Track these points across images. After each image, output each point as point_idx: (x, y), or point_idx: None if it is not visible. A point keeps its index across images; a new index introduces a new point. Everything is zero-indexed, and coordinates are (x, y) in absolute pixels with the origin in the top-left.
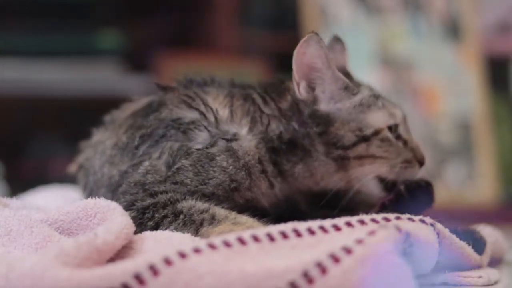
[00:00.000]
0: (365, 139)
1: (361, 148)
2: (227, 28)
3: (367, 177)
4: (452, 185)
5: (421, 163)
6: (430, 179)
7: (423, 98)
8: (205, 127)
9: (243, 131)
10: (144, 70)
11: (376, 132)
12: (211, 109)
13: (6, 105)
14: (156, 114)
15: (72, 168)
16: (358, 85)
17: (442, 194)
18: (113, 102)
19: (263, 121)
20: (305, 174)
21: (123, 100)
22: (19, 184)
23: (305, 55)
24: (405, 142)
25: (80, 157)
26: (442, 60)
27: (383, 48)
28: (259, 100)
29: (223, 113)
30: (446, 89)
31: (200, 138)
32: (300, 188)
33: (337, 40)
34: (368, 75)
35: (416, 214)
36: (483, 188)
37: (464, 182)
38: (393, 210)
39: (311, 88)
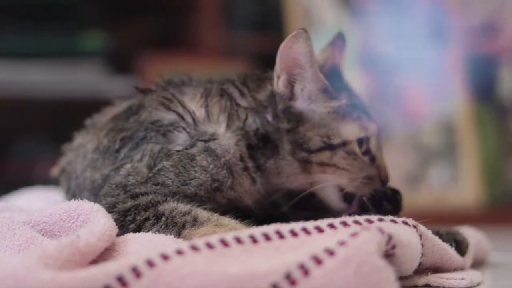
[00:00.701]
0: (331, 147)
1: (325, 156)
2: (211, 30)
3: (330, 185)
4: (436, 187)
5: (383, 182)
6: (397, 187)
7: (407, 100)
8: (184, 129)
9: (221, 129)
10: (128, 72)
11: (344, 143)
12: (188, 111)
13: None
14: (135, 116)
15: (55, 171)
16: (339, 90)
17: (426, 195)
18: (97, 104)
19: (240, 116)
20: (274, 171)
21: (107, 101)
22: (3, 185)
23: (291, 49)
24: (373, 159)
25: (62, 160)
26: (426, 62)
27: (367, 50)
28: (236, 94)
29: (200, 113)
30: (430, 91)
31: (180, 140)
32: (272, 185)
33: (340, 37)
34: (351, 77)
35: None
36: (466, 190)
37: (448, 184)
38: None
39: (290, 83)
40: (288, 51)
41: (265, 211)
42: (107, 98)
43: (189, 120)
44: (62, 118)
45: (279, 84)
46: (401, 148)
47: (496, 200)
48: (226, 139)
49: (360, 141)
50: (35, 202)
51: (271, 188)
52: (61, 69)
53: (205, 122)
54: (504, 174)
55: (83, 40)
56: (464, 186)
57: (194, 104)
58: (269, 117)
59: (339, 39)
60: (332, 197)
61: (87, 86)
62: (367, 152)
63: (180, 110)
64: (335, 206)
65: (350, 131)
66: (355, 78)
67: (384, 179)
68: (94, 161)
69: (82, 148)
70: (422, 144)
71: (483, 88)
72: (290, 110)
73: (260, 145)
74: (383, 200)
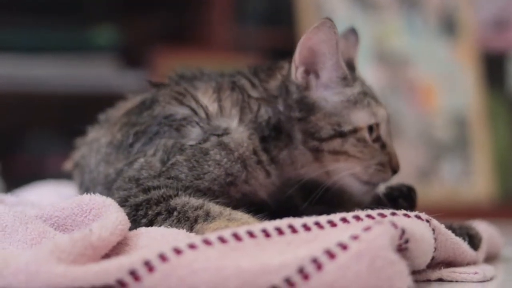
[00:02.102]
0: (341, 135)
1: (336, 143)
2: (222, 25)
3: (342, 173)
4: (448, 181)
5: (394, 170)
6: (412, 184)
7: (419, 95)
8: (197, 123)
9: (234, 123)
10: (139, 66)
11: (355, 130)
12: (201, 105)
13: (2, 101)
14: (149, 111)
15: (68, 165)
16: (355, 79)
17: (438, 190)
18: (108, 98)
19: (252, 108)
20: (287, 161)
21: (119, 96)
22: (14, 180)
23: (312, 39)
24: (383, 145)
25: (76, 154)
26: (438, 57)
27: (379, 44)
28: (247, 85)
29: (213, 108)
30: (442, 85)
31: (193, 134)
32: (287, 176)
33: (352, 32)
34: (364, 71)
35: None
36: (478, 184)
37: (460, 178)
38: None
39: (307, 73)
40: (309, 42)
41: (280, 204)
42: (119, 93)
43: (202, 115)
44: (74, 113)
45: (297, 75)
46: (413, 143)
47: (508, 195)
48: (239, 133)
49: (370, 128)
50: (47, 197)
51: (286, 180)
52: (73, 64)
53: (218, 116)
54: None
55: (95, 34)
56: (476, 180)
57: (207, 99)
58: (280, 107)
59: (351, 34)
60: (354, 187)
61: (99, 81)
62: (377, 139)
63: (193, 104)
64: (358, 193)
65: (360, 118)
66: (367, 72)
67: (394, 166)
68: (108, 155)
69: (96, 142)
70: (434, 138)
71: (495, 83)
72: (304, 100)
73: (273, 136)
74: (399, 198)
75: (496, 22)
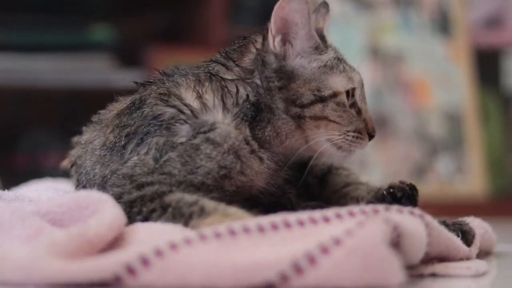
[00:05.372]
0: (322, 99)
1: (317, 108)
2: (218, 23)
3: (322, 139)
4: (442, 177)
5: (371, 135)
6: (413, 183)
7: (413, 92)
8: (185, 121)
9: (219, 115)
10: (136, 64)
11: (334, 95)
12: (186, 104)
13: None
14: (138, 112)
15: (65, 163)
16: (327, 46)
17: (432, 186)
18: (105, 97)
19: (231, 91)
20: (272, 134)
21: (115, 94)
22: (12, 177)
23: (285, 9)
24: (359, 111)
25: (72, 153)
26: (432, 54)
27: (374, 42)
28: (222, 70)
29: (197, 105)
30: (436, 83)
31: (183, 132)
32: (277, 152)
33: (323, 4)
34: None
35: None
36: (472, 180)
37: (454, 175)
38: None
39: (283, 42)
40: (282, 11)
41: (276, 195)
42: (115, 91)
43: (188, 112)
44: (71, 111)
45: (275, 44)
46: (407, 139)
47: (501, 191)
48: (226, 125)
49: (348, 93)
50: (44, 193)
51: (277, 160)
52: (69, 62)
53: (203, 111)
54: (510, 165)
55: (92, 33)
56: (470, 176)
57: (189, 96)
58: (258, 81)
59: (322, 7)
60: (332, 152)
61: (95, 79)
62: (353, 104)
63: (178, 104)
64: (334, 158)
65: (339, 82)
66: (362, 69)
67: (371, 132)
68: (102, 157)
69: (90, 144)
70: (428, 135)
71: (489, 80)
72: (283, 69)
73: (256, 117)
74: (402, 198)
75: (489, 20)
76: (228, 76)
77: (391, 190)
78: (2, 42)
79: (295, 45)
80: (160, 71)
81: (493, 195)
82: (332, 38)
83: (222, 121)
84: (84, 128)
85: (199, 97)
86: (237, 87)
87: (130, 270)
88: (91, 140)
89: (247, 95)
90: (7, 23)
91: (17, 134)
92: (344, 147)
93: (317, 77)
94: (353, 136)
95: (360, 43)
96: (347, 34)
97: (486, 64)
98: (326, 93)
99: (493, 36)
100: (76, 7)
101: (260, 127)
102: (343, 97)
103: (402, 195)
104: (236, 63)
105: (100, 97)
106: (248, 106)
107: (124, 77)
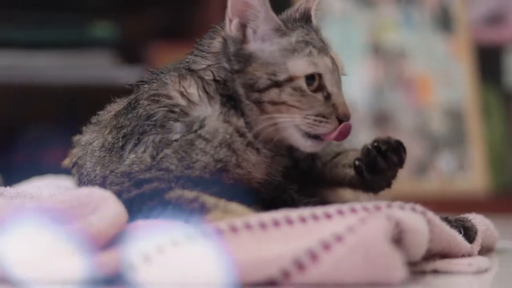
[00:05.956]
0: (277, 84)
1: (273, 93)
2: (219, 21)
3: (286, 124)
4: (444, 174)
5: (341, 120)
6: (414, 180)
7: (414, 88)
8: (177, 119)
9: (208, 109)
10: (137, 61)
11: (290, 79)
12: (174, 104)
13: (0, 95)
14: (133, 112)
15: (66, 162)
16: (294, 28)
17: (434, 183)
18: (106, 94)
19: (208, 79)
20: (246, 120)
21: (116, 91)
22: (13, 174)
23: None
24: (328, 96)
25: (73, 152)
26: (433, 51)
27: (375, 39)
28: (197, 61)
29: (184, 102)
30: (438, 80)
31: (177, 128)
32: (262, 137)
33: None
34: (359, 65)
35: (387, 173)
36: (474, 177)
37: (455, 171)
38: (367, 171)
39: (243, 26)
40: None
41: (278, 190)
42: (116, 88)
43: (178, 110)
44: (72, 108)
45: (231, 28)
46: (409, 136)
47: (503, 188)
48: (213, 120)
49: (311, 77)
50: (46, 190)
51: (269, 146)
52: (70, 59)
53: (191, 108)
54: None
55: (93, 30)
56: (471, 173)
57: (176, 94)
58: (226, 65)
59: None
60: (296, 137)
61: (97, 76)
62: (320, 88)
63: (169, 103)
64: (300, 145)
65: (298, 66)
66: (363, 66)
67: (341, 117)
68: (102, 158)
69: (89, 145)
70: (430, 131)
71: (490, 77)
72: (241, 52)
73: (234, 106)
74: (387, 151)
75: (491, 17)
76: (203, 64)
77: (375, 144)
78: (3, 38)
79: (254, 28)
80: (150, 70)
81: (495, 191)
82: (333, 35)
83: (212, 114)
84: (84, 129)
85: (185, 93)
86: (212, 73)
87: (132, 267)
88: (90, 141)
89: (216, 79)
90: (7, 20)
91: (18, 130)
92: (307, 131)
93: (275, 61)
94: (314, 120)
95: (362, 40)
96: (348, 32)
97: (487, 61)
98: (281, 77)
99: (495, 33)
100: (77, 4)
101: (238, 117)
102: (300, 82)
103: (386, 148)
104: (207, 50)
105: (102, 94)
106: (225, 90)
107: (126, 74)
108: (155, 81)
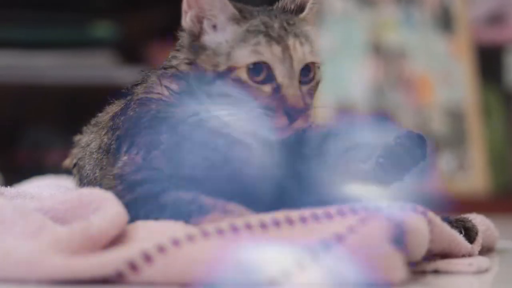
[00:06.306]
0: (219, 75)
1: (217, 86)
2: None
3: (232, 120)
4: (444, 174)
5: (289, 112)
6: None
7: (415, 88)
8: (164, 120)
9: (191, 107)
10: (138, 61)
11: (229, 70)
12: (161, 105)
13: (1, 95)
14: (126, 115)
15: (67, 162)
16: (249, 17)
17: (434, 183)
18: (107, 93)
19: (184, 73)
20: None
21: (117, 91)
22: (14, 173)
23: None
24: (278, 87)
25: (74, 153)
26: (434, 50)
27: (375, 38)
28: (176, 55)
29: (169, 100)
30: (438, 79)
31: (165, 129)
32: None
33: None
34: (360, 64)
35: (411, 168)
36: (474, 177)
37: (456, 171)
38: (387, 163)
39: (199, 19)
40: None
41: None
42: (117, 88)
43: (164, 110)
44: (73, 108)
45: (186, 20)
46: None
47: (503, 188)
48: (199, 118)
49: (257, 68)
50: (46, 190)
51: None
52: (71, 59)
53: (177, 107)
54: None
55: (94, 29)
56: (472, 173)
57: (162, 94)
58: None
59: None
60: (264, 131)
61: (97, 76)
62: (268, 79)
63: (155, 104)
64: (254, 147)
65: (240, 57)
66: (363, 66)
67: (289, 109)
68: (100, 160)
69: (88, 147)
70: (430, 131)
71: (491, 77)
72: (193, 43)
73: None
74: (409, 143)
75: (491, 17)
76: (179, 59)
77: (399, 140)
78: (3, 38)
79: (210, 19)
80: (142, 71)
81: (495, 191)
82: (334, 35)
83: (197, 113)
84: (84, 129)
85: (169, 93)
86: (186, 66)
87: (133, 267)
88: (88, 142)
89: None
90: (7, 20)
91: (18, 130)
92: (255, 126)
93: (221, 52)
94: (259, 113)
95: (362, 40)
96: (349, 31)
97: (488, 60)
98: (221, 68)
99: (496, 32)
100: (78, 4)
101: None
102: (239, 73)
103: (410, 144)
104: (180, 45)
105: (102, 94)
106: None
107: (126, 74)
108: (143, 82)
